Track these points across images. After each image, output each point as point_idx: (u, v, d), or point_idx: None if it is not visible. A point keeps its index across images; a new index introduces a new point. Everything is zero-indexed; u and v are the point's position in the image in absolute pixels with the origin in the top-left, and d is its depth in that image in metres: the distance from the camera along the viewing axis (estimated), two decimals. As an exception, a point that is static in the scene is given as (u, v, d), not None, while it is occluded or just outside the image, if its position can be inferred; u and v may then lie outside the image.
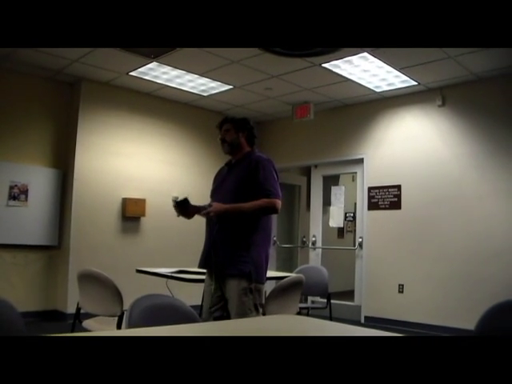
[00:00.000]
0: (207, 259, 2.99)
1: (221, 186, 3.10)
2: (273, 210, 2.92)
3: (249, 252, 2.88)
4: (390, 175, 6.39)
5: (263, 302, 2.99)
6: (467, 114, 5.75)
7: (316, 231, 7.46)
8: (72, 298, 5.36)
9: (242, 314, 2.82)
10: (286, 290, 3.69)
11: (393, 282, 6.19)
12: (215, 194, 3.12)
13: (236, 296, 2.85)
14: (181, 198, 2.97)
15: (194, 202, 3.03)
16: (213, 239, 2.96)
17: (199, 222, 3.20)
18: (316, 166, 7.53)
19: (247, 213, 2.88)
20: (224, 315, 2.94)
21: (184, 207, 2.98)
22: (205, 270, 3.11)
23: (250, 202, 2.86)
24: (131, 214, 6.31)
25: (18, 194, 5.64)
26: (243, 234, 2.91)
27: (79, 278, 3.52)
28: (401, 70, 5.44)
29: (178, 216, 3.03)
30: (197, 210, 3.03)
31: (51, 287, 5.91)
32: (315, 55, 5.04)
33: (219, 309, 2.96)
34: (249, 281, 2.86)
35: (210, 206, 2.93)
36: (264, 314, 3.53)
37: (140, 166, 6.51)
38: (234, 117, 3.20)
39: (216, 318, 2.93)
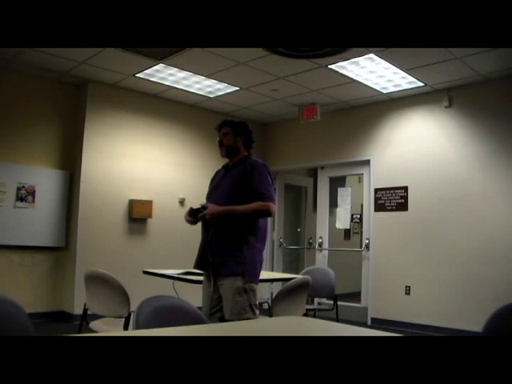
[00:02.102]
0: (202, 260, 3.00)
1: (217, 188, 3.12)
2: (267, 213, 2.95)
3: (242, 252, 2.90)
4: (396, 176, 6.37)
5: (257, 302, 3.00)
6: (474, 114, 5.73)
7: (322, 233, 7.45)
8: (79, 299, 5.38)
9: (237, 313, 2.83)
10: (292, 291, 3.69)
11: (399, 284, 6.17)
12: (211, 195, 3.15)
13: (230, 296, 2.87)
14: (197, 206, 2.98)
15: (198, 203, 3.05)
16: (208, 240, 2.98)
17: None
18: (322, 168, 7.52)
19: (241, 215, 2.91)
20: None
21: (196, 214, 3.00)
22: None
23: (245, 205, 2.89)
24: (138, 215, 6.32)
25: (25, 195, 5.66)
26: (237, 235, 2.93)
27: (86, 279, 3.53)
28: (407, 71, 5.42)
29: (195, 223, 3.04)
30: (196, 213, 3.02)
31: (58, 288, 5.93)
32: (321, 56, 5.03)
33: (220, 310, 2.97)
34: (243, 280, 2.87)
35: (204, 207, 2.94)
36: (271, 316, 3.53)
37: (147, 167, 6.53)
38: (232, 120, 3.24)
39: (220, 319, 2.93)
